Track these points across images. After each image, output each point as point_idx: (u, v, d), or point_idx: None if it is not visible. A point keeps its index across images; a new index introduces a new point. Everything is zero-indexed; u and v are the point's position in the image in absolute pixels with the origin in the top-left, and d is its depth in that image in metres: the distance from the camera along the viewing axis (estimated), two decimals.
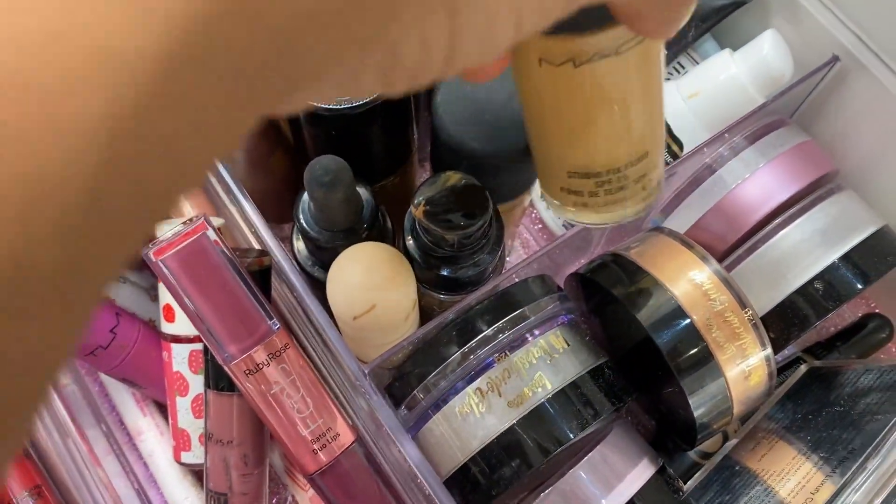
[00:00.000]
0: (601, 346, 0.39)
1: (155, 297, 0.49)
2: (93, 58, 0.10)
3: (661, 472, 0.40)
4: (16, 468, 0.44)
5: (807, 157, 0.45)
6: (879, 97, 0.44)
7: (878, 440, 0.36)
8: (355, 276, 0.34)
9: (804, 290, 0.42)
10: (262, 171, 0.46)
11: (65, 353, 0.11)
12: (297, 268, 0.38)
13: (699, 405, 0.37)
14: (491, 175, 0.37)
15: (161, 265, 0.33)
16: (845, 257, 0.42)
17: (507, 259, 0.55)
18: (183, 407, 0.46)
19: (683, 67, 0.53)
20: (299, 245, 0.41)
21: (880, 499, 0.34)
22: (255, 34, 0.11)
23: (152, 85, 0.10)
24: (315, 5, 0.12)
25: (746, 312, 0.37)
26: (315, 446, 0.37)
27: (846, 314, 0.55)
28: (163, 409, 0.50)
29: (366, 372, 0.35)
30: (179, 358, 0.46)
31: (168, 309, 0.46)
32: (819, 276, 0.42)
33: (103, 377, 0.52)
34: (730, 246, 0.45)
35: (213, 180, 0.41)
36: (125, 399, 0.51)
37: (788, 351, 0.52)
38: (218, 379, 0.40)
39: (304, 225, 0.37)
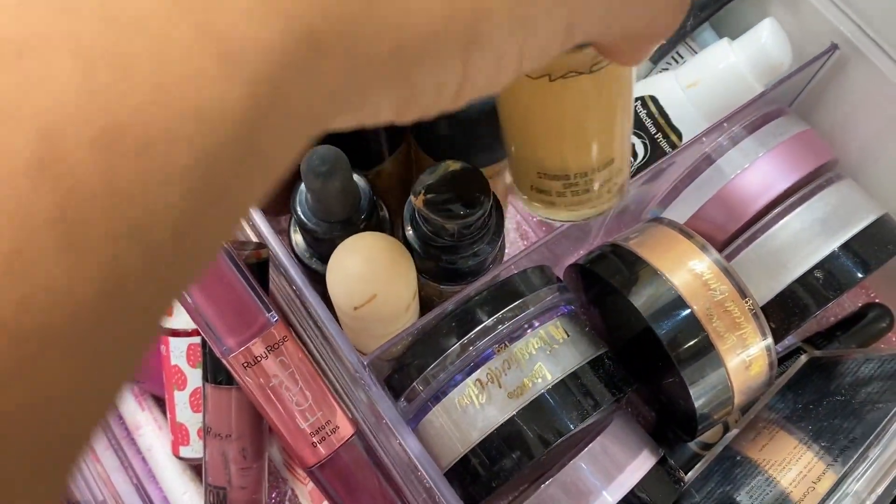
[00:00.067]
0: (601, 336, 0.39)
1: None
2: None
3: (661, 462, 0.40)
4: None
5: (806, 146, 0.45)
6: (878, 85, 0.43)
7: (879, 429, 0.36)
8: (355, 267, 0.34)
9: (804, 280, 0.42)
10: None
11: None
12: (295, 260, 0.38)
13: (700, 395, 0.36)
14: (470, 131, 0.37)
15: None
16: (845, 246, 0.42)
17: (507, 250, 0.55)
18: (181, 401, 0.46)
19: (682, 57, 0.52)
20: (297, 238, 0.41)
21: (882, 487, 0.34)
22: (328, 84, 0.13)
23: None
24: (370, 53, 0.14)
25: (747, 302, 0.37)
26: (314, 439, 0.37)
27: (846, 304, 0.55)
28: (161, 403, 0.50)
29: (365, 364, 0.34)
30: (177, 351, 0.45)
31: None
32: (819, 266, 0.42)
33: None
34: (730, 236, 0.45)
35: None
36: (123, 393, 0.51)
37: (789, 341, 0.52)
38: (216, 372, 0.40)
39: (302, 216, 0.37)
